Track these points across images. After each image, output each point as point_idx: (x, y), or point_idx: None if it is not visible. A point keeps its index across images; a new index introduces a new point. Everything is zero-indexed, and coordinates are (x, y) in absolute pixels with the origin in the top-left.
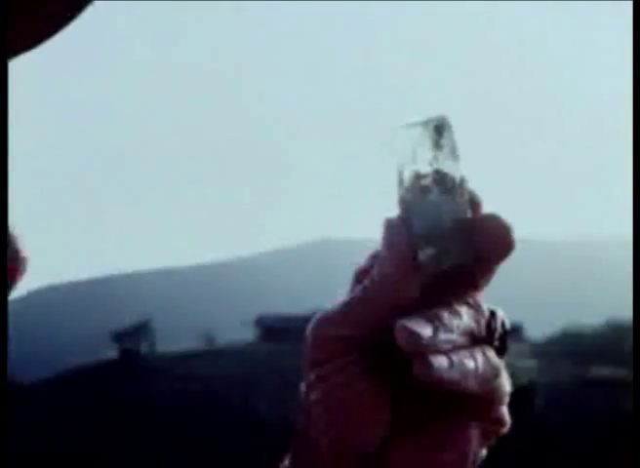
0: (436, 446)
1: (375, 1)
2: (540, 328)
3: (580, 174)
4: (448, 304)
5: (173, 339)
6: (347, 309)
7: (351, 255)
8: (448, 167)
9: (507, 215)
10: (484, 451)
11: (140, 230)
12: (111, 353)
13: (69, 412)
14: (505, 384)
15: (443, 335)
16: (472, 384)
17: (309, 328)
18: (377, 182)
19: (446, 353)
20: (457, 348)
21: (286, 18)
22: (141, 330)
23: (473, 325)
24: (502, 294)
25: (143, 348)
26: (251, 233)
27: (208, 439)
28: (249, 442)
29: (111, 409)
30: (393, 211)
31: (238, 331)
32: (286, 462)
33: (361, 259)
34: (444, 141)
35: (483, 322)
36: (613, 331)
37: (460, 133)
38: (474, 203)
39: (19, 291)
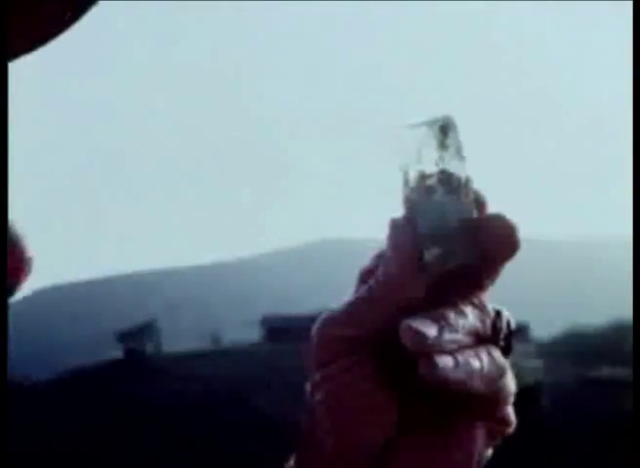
0: (441, 445)
1: (375, 1)
2: (545, 328)
3: (583, 173)
4: (453, 304)
5: (178, 340)
6: (352, 309)
7: (354, 256)
8: (453, 167)
9: (511, 215)
10: (489, 451)
11: (145, 231)
12: (116, 353)
13: (74, 412)
14: (511, 384)
15: (448, 335)
16: (478, 384)
17: (314, 328)
18: (378, 182)
19: (451, 353)
20: (462, 348)
21: (286, 18)
22: (146, 330)
23: (479, 325)
24: (508, 294)
25: (148, 348)
26: (254, 234)
27: (212, 439)
28: (253, 442)
29: (116, 409)
30: (396, 210)
31: (243, 332)
32: (291, 462)
33: (364, 259)
34: (449, 141)
35: (488, 322)
36: (617, 331)
37: (461, 132)
38: (479, 203)
39: (23, 291)
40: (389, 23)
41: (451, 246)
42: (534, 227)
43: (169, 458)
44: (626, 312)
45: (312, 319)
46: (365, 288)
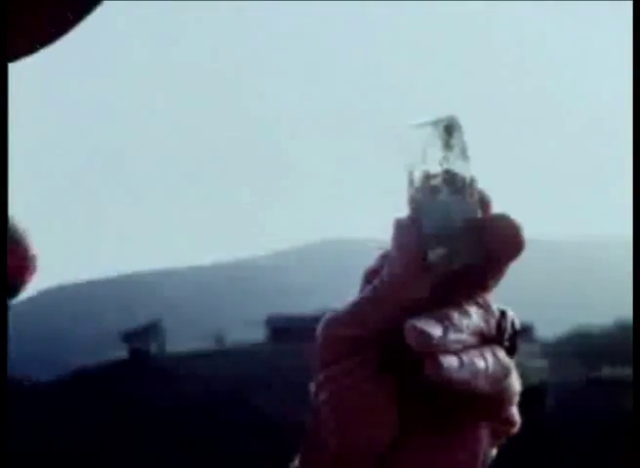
0: (446, 445)
1: (376, 1)
2: (550, 328)
3: (587, 173)
4: (458, 304)
5: (182, 340)
6: (357, 309)
7: (355, 256)
8: (458, 167)
9: (516, 216)
10: (494, 451)
11: (147, 231)
12: (120, 353)
13: (78, 412)
14: (515, 384)
15: (453, 335)
16: (482, 384)
17: (319, 328)
18: (379, 182)
19: (456, 353)
20: (467, 348)
21: (286, 18)
22: (151, 330)
23: (483, 325)
24: (512, 294)
25: (153, 348)
26: (256, 234)
27: (215, 438)
28: (256, 442)
29: (120, 408)
30: (400, 210)
31: (247, 332)
32: (296, 462)
33: (365, 259)
34: (454, 141)
35: (493, 322)
36: (622, 331)
37: (468, 132)
38: (484, 203)
39: (28, 291)
40: (390, 23)
41: (455, 246)
42: (538, 227)
43: (173, 457)
44: (631, 312)
45: (316, 319)
46: (369, 288)
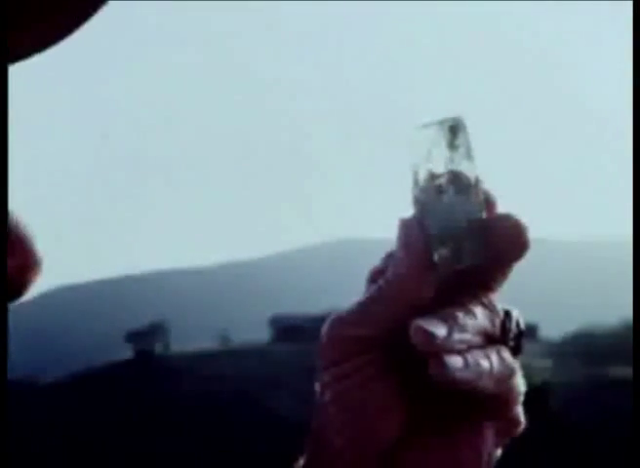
0: (451, 445)
1: (389, 1)
2: (555, 328)
3: (593, 173)
4: (462, 304)
5: (188, 339)
6: (362, 309)
7: (370, 255)
8: (463, 167)
9: (522, 216)
10: (499, 451)
11: (155, 230)
12: (126, 353)
13: (84, 412)
14: (520, 384)
15: (458, 335)
16: (487, 384)
17: (324, 328)
18: (395, 182)
19: (461, 353)
20: (471, 348)
21: (305, 17)
22: (156, 330)
23: (488, 325)
24: (517, 294)
25: (158, 348)
26: (272, 233)
27: (221, 439)
28: (263, 442)
29: (125, 409)
30: (410, 211)
31: (253, 331)
32: (301, 462)
33: (375, 260)
34: (459, 142)
35: (498, 322)
36: (627, 331)
37: (471, 133)
38: (489, 203)
39: (34, 291)
40: (409, 23)
41: (460, 246)
42: (544, 227)
43: (177, 458)
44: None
45: (322, 319)
46: (375, 287)
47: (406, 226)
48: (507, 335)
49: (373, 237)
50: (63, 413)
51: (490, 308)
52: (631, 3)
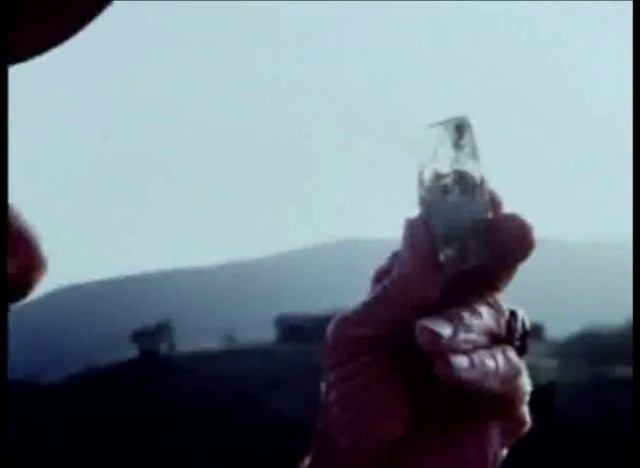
0: (457, 445)
1: (391, 1)
2: (560, 328)
3: (597, 173)
4: (468, 304)
5: (193, 339)
6: (367, 309)
7: (375, 255)
8: (469, 167)
9: (526, 216)
10: (504, 451)
11: (155, 230)
12: (132, 353)
13: (89, 412)
14: (526, 384)
15: (463, 335)
16: (492, 384)
17: (330, 328)
18: (400, 182)
19: (466, 353)
20: (477, 348)
21: (307, 17)
22: (162, 330)
23: (493, 325)
24: (523, 294)
25: (163, 348)
26: (276, 233)
27: (226, 438)
28: (267, 441)
29: (131, 408)
30: (415, 211)
31: (258, 331)
32: (306, 462)
33: (380, 259)
34: (464, 142)
35: (503, 322)
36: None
37: (476, 132)
38: (495, 203)
39: (39, 291)
40: (410, 23)
41: (466, 246)
42: (549, 227)
43: (181, 457)
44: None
45: (327, 319)
46: (380, 287)
47: (411, 226)
48: (513, 335)
49: (374, 237)
50: (66, 413)
51: (495, 308)
52: (631, 3)
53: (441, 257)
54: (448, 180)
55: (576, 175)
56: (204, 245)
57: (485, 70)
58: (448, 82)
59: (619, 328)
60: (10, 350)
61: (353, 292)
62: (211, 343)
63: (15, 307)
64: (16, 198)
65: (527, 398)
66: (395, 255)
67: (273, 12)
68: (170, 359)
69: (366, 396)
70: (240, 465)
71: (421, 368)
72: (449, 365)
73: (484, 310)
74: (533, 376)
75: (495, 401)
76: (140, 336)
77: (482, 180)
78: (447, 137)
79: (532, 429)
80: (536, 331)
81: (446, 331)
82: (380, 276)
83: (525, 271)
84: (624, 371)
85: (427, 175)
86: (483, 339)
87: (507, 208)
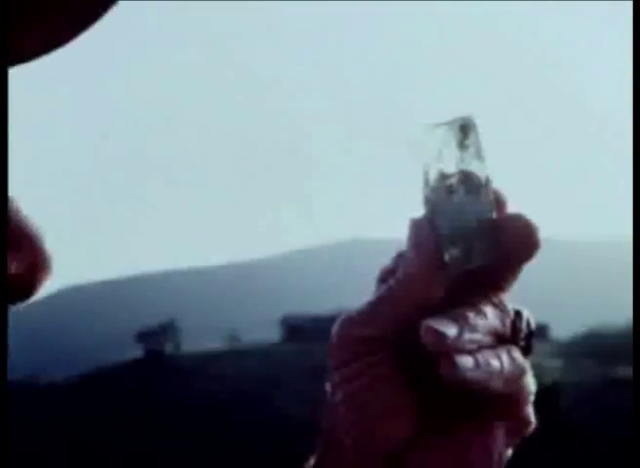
0: (461, 445)
1: (393, 1)
2: (565, 328)
3: (597, 173)
4: (473, 304)
5: (198, 339)
6: (372, 309)
7: (379, 256)
8: (474, 167)
9: (531, 216)
10: (509, 451)
11: (159, 230)
12: (136, 353)
13: (94, 412)
14: (531, 384)
15: (468, 335)
16: (497, 384)
17: (334, 328)
18: (405, 182)
19: (471, 353)
20: (482, 348)
21: (307, 17)
22: (166, 330)
23: (498, 325)
24: (527, 294)
25: (168, 348)
26: (280, 233)
27: (231, 438)
28: (274, 441)
29: (136, 408)
30: (416, 210)
31: (263, 331)
32: (311, 462)
33: (384, 259)
34: (469, 142)
35: (508, 322)
36: None
37: (480, 133)
38: (499, 203)
39: (44, 291)
40: (407, 24)
41: (471, 246)
42: (554, 227)
43: (186, 458)
44: None
45: (332, 319)
46: (385, 287)
47: (416, 226)
48: (518, 335)
49: (375, 237)
50: (71, 413)
51: (500, 308)
52: (631, 3)
53: (446, 257)
54: (453, 180)
55: (576, 175)
56: (208, 245)
57: (485, 70)
58: (448, 82)
59: (624, 328)
60: (13, 350)
61: (356, 292)
62: (213, 344)
63: (17, 307)
64: (16, 198)
65: (532, 398)
66: (400, 256)
67: (273, 12)
68: (175, 359)
69: (371, 396)
70: (245, 465)
71: (426, 368)
72: (454, 365)
73: (489, 310)
74: (538, 376)
75: (500, 401)
76: (146, 336)
77: (487, 180)
78: (452, 138)
79: (536, 429)
80: (541, 330)
81: (451, 331)
82: (386, 276)
83: (530, 271)
84: (629, 372)
85: (432, 176)
86: (488, 339)
87: (512, 208)
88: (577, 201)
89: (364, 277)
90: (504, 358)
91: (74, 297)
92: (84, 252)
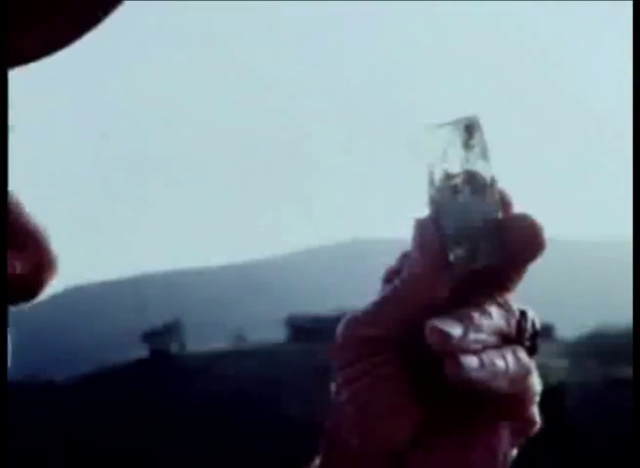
0: (466, 445)
1: (394, 1)
2: (570, 328)
3: (597, 173)
4: (478, 304)
5: (203, 339)
6: (377, 309)
7: (380, 256)
8: (479, 167)
9: (536, 216)
10: (514, 451)
11: (169, 230)
12: (142, 353)
13: (99, 412)
14: (536, 384)
15: (473, 335)
16: (502, 384)
17: (339, 328)
18: (408, 182)
19: (476, 353)
20: (487, 348)
21: (307, 17)
22: (172, 329)
23: (503, 325)
24: (533, 294)
25: (174, 348)
26: (282, 233)
27: (236, 438)
28: (279, 441)
29: (141, 408)
30: (424, 211)
31: (268, 331)
32: (316, 462)
33: (389, 259)
34: (474, 141)
35: (513, 322)
36: None
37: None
38: (505, 203)
39: (49, 291)
40: (407, 24)
41: (476, 246)
42: (559, 227)
43: (191, 457)
44: None
45: (337, 319)
46: (390, 287)
47: (421, 226)
48: (523, 335)
49: (376, 237)
50: (75, 413)
51: (505, 308)
52: (631, 3)
53: (451, 258)
54: (458, 180)
55: (576, 176)
56: (212, 245)
57: (485, 70)
58: (448, 82)
59: (629, 328)
60: (13, 350)
61: (356, 292)
62: (218, 343)
63: (18, 308)
64: (16, 194)
65: (537, 398)
66: (405, 256)
67: (273, 12)
68: (180, 359)
69: (375, 396)
70: (249, 465)
71: (431, 368)
72: (459, 365)
73: (494, 310)
74: (543, 376)
75: (504, 401)
76: (151, 336)
77: (492, 180)
78: (457, 137)
79: (541, 429)
80: (546, 330)
81: (456, 331)
82: (391, 276)
83: (535, 271)
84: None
85: (437, 176)
86: (493, 339)
87: (517, 208)
88: (577, 201)
89: (364, 277)
90: (509, 358)
91: (75, 298)
92: (85, 252)
